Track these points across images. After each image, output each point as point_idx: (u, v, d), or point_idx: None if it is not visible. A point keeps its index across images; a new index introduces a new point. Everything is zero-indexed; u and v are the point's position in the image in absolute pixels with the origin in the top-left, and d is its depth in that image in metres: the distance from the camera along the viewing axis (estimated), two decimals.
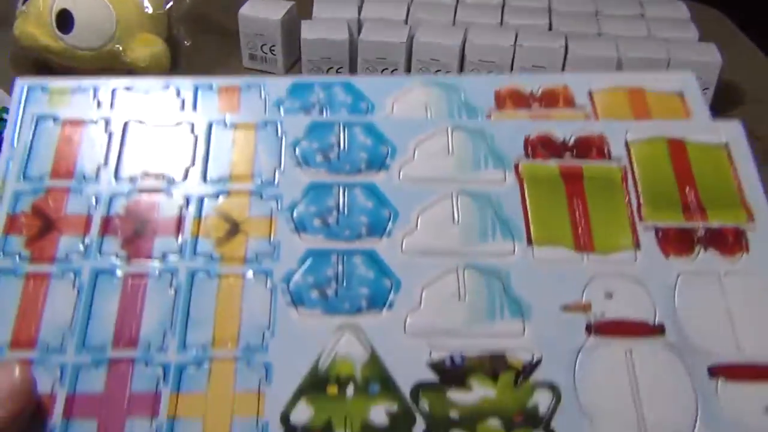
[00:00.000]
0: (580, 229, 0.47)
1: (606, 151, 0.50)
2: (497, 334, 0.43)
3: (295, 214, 0.47)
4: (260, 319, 0.43)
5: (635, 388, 0.42)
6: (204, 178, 0.48)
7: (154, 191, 0.47)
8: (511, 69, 0.85)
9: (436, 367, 0.42)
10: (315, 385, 0.41)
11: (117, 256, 0.45)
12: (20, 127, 0.49)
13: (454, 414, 0.41)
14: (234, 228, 0.46)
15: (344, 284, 0.44)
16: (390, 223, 0.46)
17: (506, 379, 0.42)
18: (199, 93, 0.52)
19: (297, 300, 0.44)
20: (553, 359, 0.42)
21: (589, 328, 0.43)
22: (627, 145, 0.50)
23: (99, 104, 0.51)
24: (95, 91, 0.52)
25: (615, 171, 0.49)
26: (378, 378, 0.41)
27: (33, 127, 0.49)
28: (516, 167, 0.49)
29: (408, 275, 0.45)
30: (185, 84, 0.53)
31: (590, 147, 0.50)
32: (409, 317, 0.43)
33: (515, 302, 0.44)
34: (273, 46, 0.89)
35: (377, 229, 0.46)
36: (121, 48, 0.78)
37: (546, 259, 0.45)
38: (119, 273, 0.44)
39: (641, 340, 0.43)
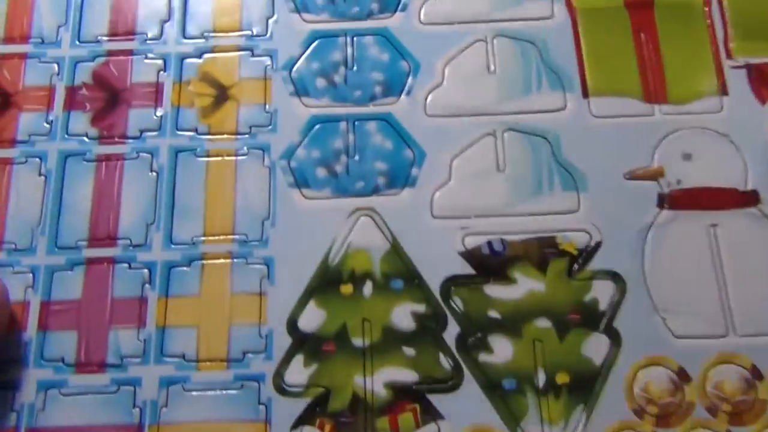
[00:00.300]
0: (649, 72, 0.34)
1: None
2: (545, 212, 0.33)
3: (294, 74, 0.35)
4: (258, 205, 0.33)
5: (720, 274, 0.31)
6: (183, 32, 0.36)
7: (124, 52, 0.36)
8: None
9: (472, 255, 0.32)
10: (326, 283, 0.32)
11: (87, 135, 0.35)
12: None
13: (493, 313, 0.31)
14: (222, 94, 0.35)
15: (357, 159, 0.34)
16: (410, 78, 0.35)
17: (557, 269, 0.32)
18: None
19: (300, 180, 0.33)
20: (615, 241, 0.32)
21: (662, 200, 0.32)
22: None
23: None
24: None
25: None
26: (401, 272, 0.32)
27: None
28: None
29: (433, 143, 0.34)
30: None
31: None
32: (436, 195, 0.33)
33: (567, 170, 0.33)
34: None
35: (394, 86, 0.35)
36: None
37: (606, 113, 0.34)
38: (91, 155, 0.35)
39: (728, 212, 0.32)
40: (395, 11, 0.36)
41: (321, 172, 0.34)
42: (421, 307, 0.31)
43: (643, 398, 0.30)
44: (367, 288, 0.32)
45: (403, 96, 0.34)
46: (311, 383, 0.31)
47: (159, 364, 0.31)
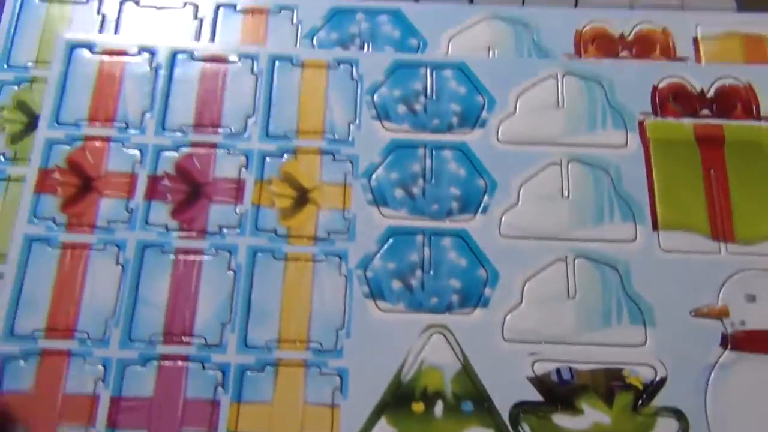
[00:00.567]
0: (717, 209, 0.34)
1: (754, 107, 0.37)
2: (613, 343, 0.32)
3: (373, 182, 0.35)
4: (334, 313, 0.32)
5: None
6: (266, 130, 0.36)
7: (208, 145, 0.36)
8: None
9: (541, 383, 0.31)
10: (398, 400, 0.31)
11: (167, 227, 0.34)
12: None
13: None
14: (302, 196, 0.34)
15: (431, 273, 0.34)
16: (486, 196, 0.35)
17: (623, 402, 0.31)
18: (221, 14, 0.38)
19: (376, 292, 0.33)
20: (680, 378, 0.31)
21: (726, 340, 0.32)
22: None
23: (103, 20, 0.38)
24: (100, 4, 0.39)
25: (765, 133, 0.37)
26: (471, 394, 0.31)
27: (66, 59, 0.37)
28: (641, 126, 0.37)
29: (507, 264, 0.33)
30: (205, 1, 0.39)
31: (733, 101, 0.37)
32: (508, 318, 0.32)
33: (636, 303, 0.32)
34: None
35: (470, 203, 0.34)
36: None
37: (674, 247, 0.33)
38: (170, 248, 0.33)
39: None
40: (474, 127, 0.36)
41: (396, 285, 0.33)
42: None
43: None
44: (438, 408, 0.31)
45: (478, 214, 0.34)
46: None
47: None
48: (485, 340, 0.32)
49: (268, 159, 0.35)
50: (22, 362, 0.31)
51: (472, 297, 0.33)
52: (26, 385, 0.31)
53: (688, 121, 0.35)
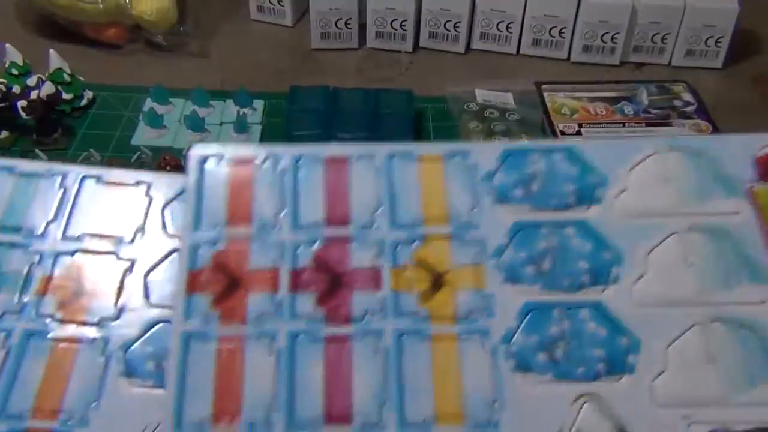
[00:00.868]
0: None
1: None
2: (762, 402, 0.33)
3: (503, 261, 0.37)
4: (485, 388, 0.33)
5: None
6: (393, 221, 0.39)
7: (341, 239, 0.39)
8: (523, 17, 0.71)
9: None
10: None
11: (313, 315, 0.36)
12: None
13: None
14: (437, 279, 0.37)
15: (573, 344, 0.35)
16: (614, 268, 0.37)
17: None
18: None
19: (523, 365, 0.34)
20: None
21: None
22: None
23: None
24: None
25: None
26: None
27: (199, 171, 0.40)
28: (750, 192, 0.39)
29: (645, 330, 0.34)
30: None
31: None
32: (656, 383, 0.33)
33: None
34: None
35: (600, 275, 0.36)
36: (127, 1, 0.71)
37: None
38: (319, 335, 0.35)
39: None
40: (590, 205, 0.38)
41: (542, 357, 0.34)
42: None
43: None
44: None
45: (610, 284, 0.35)
46: None
47: None
48: (637, 405, 0.33)
49: (400, 246, 0.37)
50: None
51: (618, 364, 0.34)
52: None
53: None
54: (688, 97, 0.63)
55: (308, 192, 0.39)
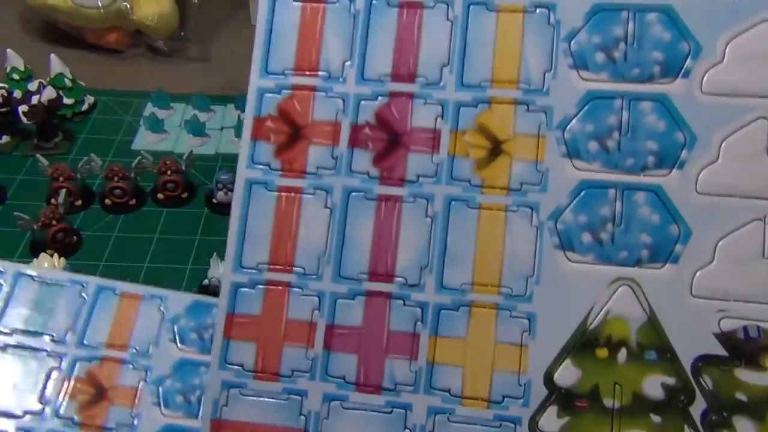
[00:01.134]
0: None
1: None
2: None
3: (567, 134, 0.42)
4: (524, 262, 0.41)
5: None
6: (461, 79, 0.44)
7: (405, 95, 0.45)
8: None
9: (727, 338, 0.39)
10: (584, 344, 0.40)
11: (368, 174, 0.44)
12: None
13: (741, 396, 0.39)
14: (496, 147, 0.43)
15: (622, 228, 0.41)
16: (684, 151, 0.41)
17: None
18: None
19: (566, 243, 0.41)
20: None
21: None
22: None
23: None
24: None
25: None
26: (656, 344, 0.39)
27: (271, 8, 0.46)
28: None
29: (701, 222, 0.40)
30: None
31: None
32: (698, 275, 0.40)
33: None
34: None
35: (667, 158, 0.41)
36: (128, 6, 0.82)
37: None
38: (372, 194, 0.43)
39: None
40: (677, 77, 0.41)
41: (586, 238, 0.41)
42: (671, 380, 0.39)
43: None
44: (622, 355, 0.40)
45: (675, 169, 0.41)
46: None
47: (428, 395, 0.41)
48: (673, 295, 0.40)
49: (462, 109, 0.43)
50: (251, 290, 0.44)
51: (663, 253, 0.40)
52: (256, 310, 0.44)
53: None
54: None
55: (378, 39, 0.45)
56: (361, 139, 0.44)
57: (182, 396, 0.47)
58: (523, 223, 0.42)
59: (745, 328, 0.39)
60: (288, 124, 0.45)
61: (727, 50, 0.41)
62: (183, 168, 0.66)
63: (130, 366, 0.48)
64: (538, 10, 0.44)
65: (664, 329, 0.39)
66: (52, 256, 0.56)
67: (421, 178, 0.43)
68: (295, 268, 0.44)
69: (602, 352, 0.40)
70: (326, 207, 0.44)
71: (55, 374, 0.47)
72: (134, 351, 0.48)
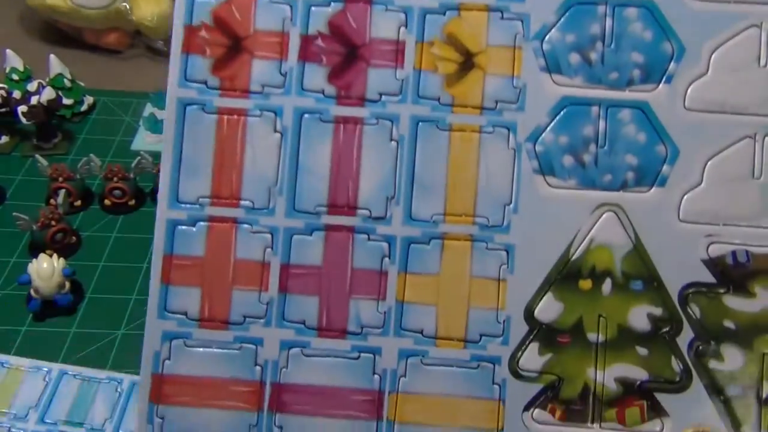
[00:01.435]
0: None
1: None
2: None
3: (546, 45, 0.38)
4: (501, 188, 0.38)
5: None
6: None
7: (363, 1, 0.39)
8: None
9: (715, 264, 0.37)
10: (566, 276, 0.37)
11: (323, 92, 0.39)
12: None
13: (729, 323, 0.37)
14: (467, 60, 0.39)
15: (606, 149, 0.38)
16: (672, 63, 0.38)
17: None
18: None
19: (546, 167, 0.38)
20: None
21: None
22: None
23: None
24: None
25: None
26: (642, 273, 0.37)
27: None
28: None
29: (689, 140, 0.37)
30: None
31: None
32: (685, 198, 0.38)
33: None
34: None
35: (654, 71, 0.38)
36: (128, 6, 0.81)
37: None
38: (329, 115, 0.39)
39: None
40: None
41: (568, 160, 0.38)
42: (658, 311, 0.37)
43: None
44: (607, 286, 0.37)
45: (662, 84, 0.38)
46: (545, 370, 0.37)
47: (398, 337, 0.38)
48: (660, 220, 0.37)
49: (429, 17, 0.39)
50: (191, 228, 0.39)
51: (649, 175, 0.38)
52: (198, 251, 0.39)
53: None
54: None
55: None
56: (313, 51, 0.39)
57: None
58: (499, 145, 0.38)
59: (734, 253, 0.37)
60: (226, 34, 0.39)
61: None
62: None
63: None
64: None
65: (651, 257, 0.37)
66: (51, 256, 0.54)
67: (383, 97, 0.39)
68: (242, 202, 0.39)
69: (585, 284, 0.38)
70: (276, 131, 0.39)
71: None
72: None
